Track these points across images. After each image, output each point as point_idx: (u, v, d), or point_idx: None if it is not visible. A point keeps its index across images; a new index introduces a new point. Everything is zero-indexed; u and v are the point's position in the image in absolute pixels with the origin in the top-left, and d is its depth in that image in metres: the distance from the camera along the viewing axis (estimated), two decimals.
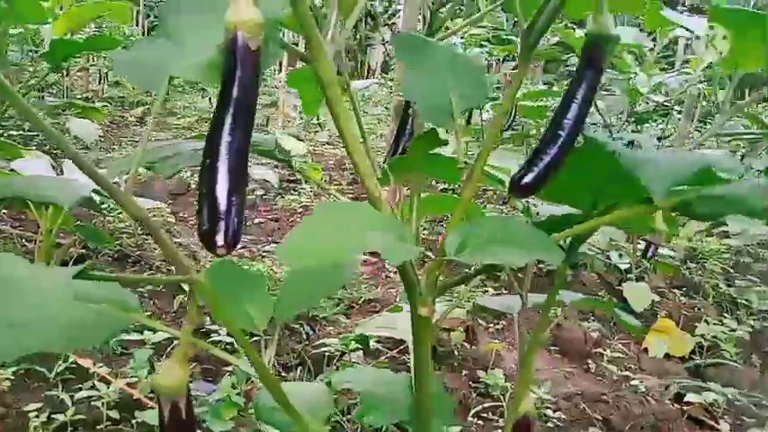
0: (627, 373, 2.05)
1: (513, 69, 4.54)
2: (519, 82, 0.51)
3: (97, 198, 1.06)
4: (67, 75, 5.88)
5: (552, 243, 0.48)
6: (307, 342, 1.93)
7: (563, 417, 1.71)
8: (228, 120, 0.45)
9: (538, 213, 0.78)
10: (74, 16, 0.91)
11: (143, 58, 0.50)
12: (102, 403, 1.36)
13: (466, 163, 0.62)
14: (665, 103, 3.57)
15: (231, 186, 0.44)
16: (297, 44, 0.63)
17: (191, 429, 0.53)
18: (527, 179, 0.51)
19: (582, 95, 0.50)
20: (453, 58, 0.57)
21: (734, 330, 2.38)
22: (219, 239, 0.43)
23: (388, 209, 0.53)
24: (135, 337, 1.63)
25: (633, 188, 0.52)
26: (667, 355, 2.23)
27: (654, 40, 3.69)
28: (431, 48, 0.56)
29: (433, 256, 2.09)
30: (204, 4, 0.51)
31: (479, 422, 1.65)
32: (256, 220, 3.28)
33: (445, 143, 0.60)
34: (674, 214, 0.81)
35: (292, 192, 3.89)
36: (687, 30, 0.69)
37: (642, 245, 2.93)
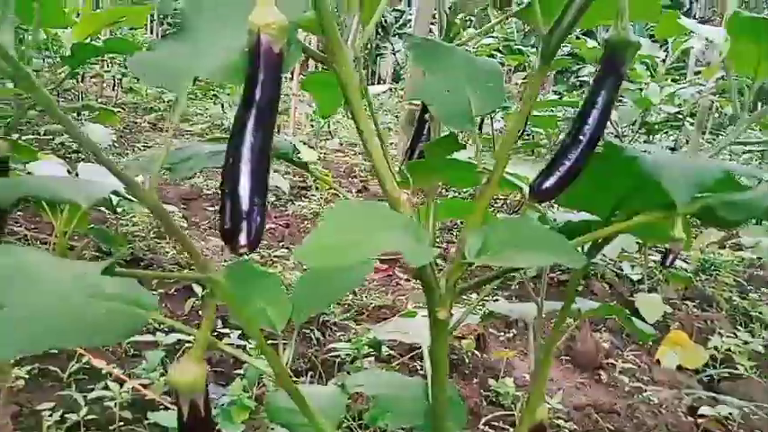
0: (639, 384, 2.03)
1: (523, 79, 4.54)
2: (538, 85, 0.51)
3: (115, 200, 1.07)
4: (82, 81, 5.96)
5: (572, 246, 0.48)
6: (317, 347, 1.93)
7: (575, 428, 1.69)
8: (251, 121, 0.46)
9: (555, 220, 0.78)
10: (93, 21, 0.92)
11: (162, 59, 0.50)
12: (115, 404, 1.37)
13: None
14: (677, 114, 3.56)
15: (253, 187, 0.44)
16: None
17: (209, 427, 0.53)
18: (547, 184, 0.51)
19: (603, 101, 0.50)
20: (470, 61, 0.57)
21: (747, 343, 2.35)
22: (242, 239, 0.43)
23: (408, 210, 0.54)
24: (147, 338, 1.64)
25: (654, 194, 0.52)
26: (680, 367, 2.21)
27: (666, 50, 3.69)
28: (447, 51, 0.57)
29: (444, 264, 2.08)
30: (226, 5, 0.52)
31: (490, 431, 1.64)
32: (267, 226, 3.29)
33: (463, 147, 0.60)
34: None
35: (303, 198, 3.91)
36: (705, 38, 0.69)
37: (654, 256, 2.91)
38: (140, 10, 0.97)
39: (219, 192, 0.45)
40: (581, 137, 0.51)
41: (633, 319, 0.85)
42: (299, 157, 0.70)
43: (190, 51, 0.48)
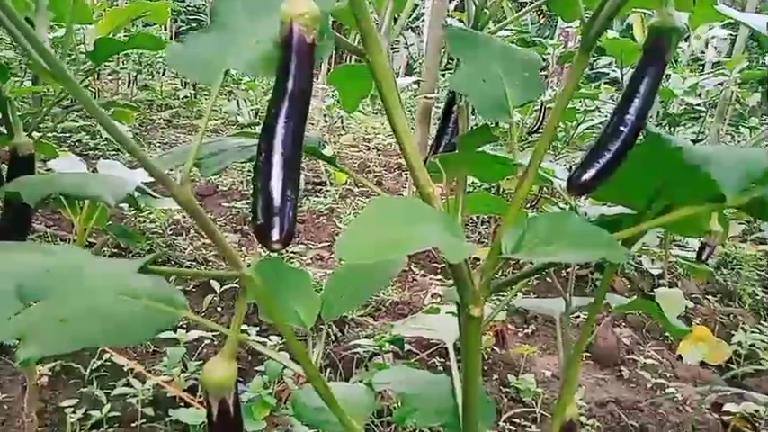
0: (662, 380, 2.00)
1: (541, 71, 4.49)
2: (578, 75, 0.50)
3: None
4: (98, 78, 6.00)
5: (614, 241, 0.46)
6: (335, 343, 1.93)
7: (598, 424, 1.67)
8: (283, 113, 0.45)
9: (585, 214, 0.76)
10: (117, 16, 0.92)
11: (197, 51, 0.49)
12: (137, 400, 1.37)
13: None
14: (697, 106, 3.50)
15: (286, 180, 0.43)
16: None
17: (238, 425, 0.52)
18: (586, 176, 0.49)
19: (645, 89, 0.48)
20: (507, 51, 0.55)
21: None
22: (275, 234, 0.42)
23: (440, 205, 0.52)
24: (167, 335, 1.64)
25: (695, 186, 0.50)
26: (702, 363, 2.17)
27: (686, 40, 3.62)
28: (485, 41, 0.55)
29: None
30: None
31: (511, 427, 1.62)
32: None
33: (495, 140, 0.59)
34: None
35: (318, 194, 3.91)
36: (749, 27, 0.66)
37: (675, 250, 2.87)
38: (162, 5, 0.97)
39: (251, 186, 0.44)
40: (622, 127, 0.49)
41: (666, 314, 0.83)
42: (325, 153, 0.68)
43: (224, 44, 0.47)
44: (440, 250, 0.42)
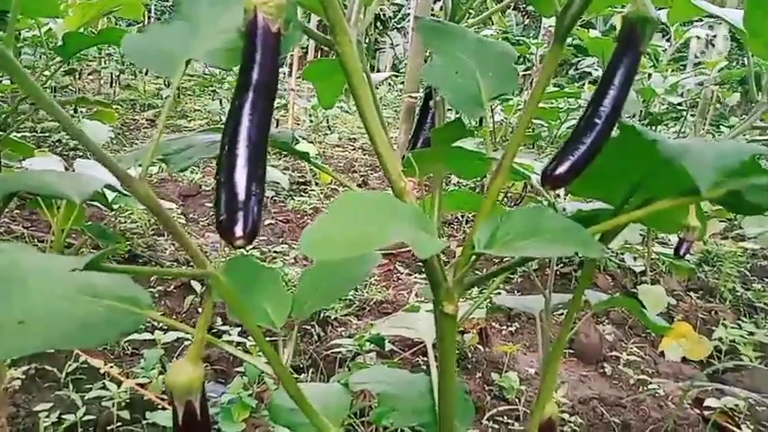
0: (644, 376, 2.01)
1: (524, 72, 4.50)
2: (552, 67, 0.49)
3: (110, 196, 1.05)
4: (79, 77, 5.92)
5: (590, 236, 0.45)
6: (318, 343, 1.91)
7: (581, 421, 1.67)
8: (248, 105, 0.43)
9: (564, 210, 0.75)
10: (87, 10, 0.90)
11: (157, 42, 0.48)
12: (113, 404, 1.35)
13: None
14: (678, 105, 3.53)
15: (251, 174, 0.42)
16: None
17: (206, 428, 0.51)
18: (560, 169, 0.48)
19: (620, 80, 0.47)
20: (481, 44, 0.54)
21: (752, 334, 2.33)
22: (238, 231, 0.41)
23: (413, 200, 0.51)
24: (145, 336, 1.61)
25: (672, 180, 0.50)
26: (684, 359, 2.19)
27: (668, 40, 3.65)
28: (458, 33, 0.54)
29: (443, 258, 2.05)
30: None
31: (494, 426, 1.61)
32: (267, 222, 3.26)
33: (471, 134, 0.57)
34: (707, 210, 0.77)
35: (302, 194, 3.88)
36: (710, 26, 0.66)
37: (657, 247, 2.89)
38: (135, 0, 0.95)
39: (215, 181, 0.42)
40: (596, 119, 0.48)
41: (645, 311, 0.82)
42: (299, 149, 0.67)
43: (185, 33, 0.46)
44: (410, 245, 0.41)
